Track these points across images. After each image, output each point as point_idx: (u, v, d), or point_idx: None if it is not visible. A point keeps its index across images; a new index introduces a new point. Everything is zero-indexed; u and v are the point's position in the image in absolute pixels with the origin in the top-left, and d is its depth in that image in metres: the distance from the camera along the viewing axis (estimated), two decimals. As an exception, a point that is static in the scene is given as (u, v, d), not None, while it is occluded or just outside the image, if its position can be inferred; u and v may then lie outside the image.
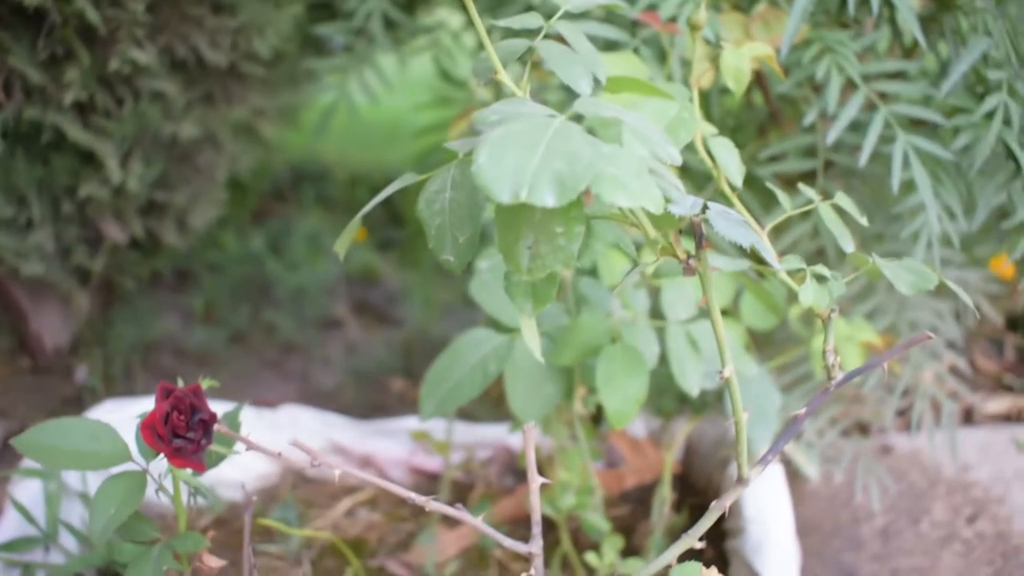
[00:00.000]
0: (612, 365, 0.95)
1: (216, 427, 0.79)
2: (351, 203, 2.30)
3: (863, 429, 1.67)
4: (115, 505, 0.83)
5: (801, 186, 0.87)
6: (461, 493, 1.41)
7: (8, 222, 1.71)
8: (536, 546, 0.80)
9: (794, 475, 1.58)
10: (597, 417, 1.30)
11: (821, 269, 0.78)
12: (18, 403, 1.87)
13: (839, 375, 0.79)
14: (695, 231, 0.70)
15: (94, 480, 1.35)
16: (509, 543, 0.80)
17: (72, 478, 1.33)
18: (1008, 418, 1.86)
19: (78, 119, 1.62)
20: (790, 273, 0.80)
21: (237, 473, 1.40)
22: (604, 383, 0.94)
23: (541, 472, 1.43)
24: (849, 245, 0.84)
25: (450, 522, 1.34)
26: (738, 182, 0.82)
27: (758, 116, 1.39)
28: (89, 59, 1.52)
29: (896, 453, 1.72)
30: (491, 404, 1.73)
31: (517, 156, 0.58)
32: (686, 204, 0.68)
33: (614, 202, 0.60)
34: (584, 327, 0.98)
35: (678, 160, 0.67)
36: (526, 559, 1.31)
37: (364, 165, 2.39)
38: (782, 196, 0.85)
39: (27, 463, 1.33)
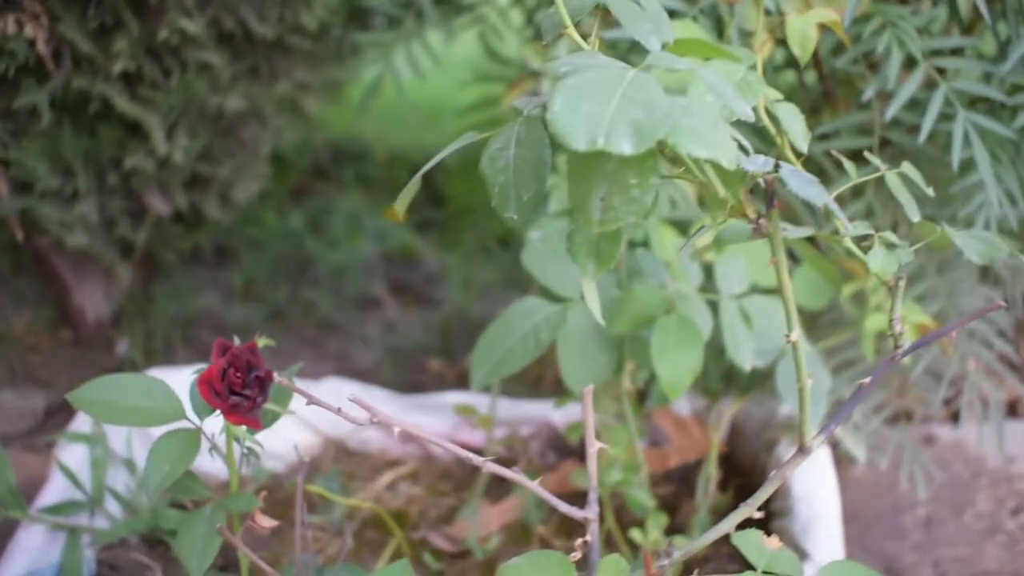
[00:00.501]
0: (667, 336, 0.94)
1: (276, 380, 0.79)
2: (390, 183, 2.29)
3: (908, 418, 1.65)
4: (169, 462, 0.83)
5: (867, 155, 0.85)
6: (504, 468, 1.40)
7: (54, 192, 1.71)
8: (592, 511, 0.79)
9: (837, 462, 1.56)
10: (643, 395, 1.29)
11: (890, 236, 0.77)
12: (60, 374, 1.88)
13: (905, 344, 0.77)
14: (766, 190, 0.69)
15: (139, 445, 1.35)
16: (565, 508, 0.79)
17: (117, 444, 1.33)
18: (1053, 411, 1.83)
19: (125, 90, 1.62)
20: (857, 241, 0.78)
21: (279, 444, 1.39)
22: (658, 354, 0.93)
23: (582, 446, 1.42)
24: (916, 214, 0.82)
25: (493, 497, 1.33)
26: (803, 147, 0.81)
27: (811, 95, 1.37)
28: (138, 29, 1.52)
29: (940, 443, 1.69)
30: (530, 384, 1.72)
31: (593, 104, 0.57)
32: (758, 162, 0.67)
33: (691, 152, 0.59)
34: (639, 297, 0.97)
35: (751, 116, 0.66)
36: (568, 536, 1.31)
37: (404, 145, 2.38)
38: (848, 164, 0.84)
39: (76, 426, 1.34)
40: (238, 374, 0.81)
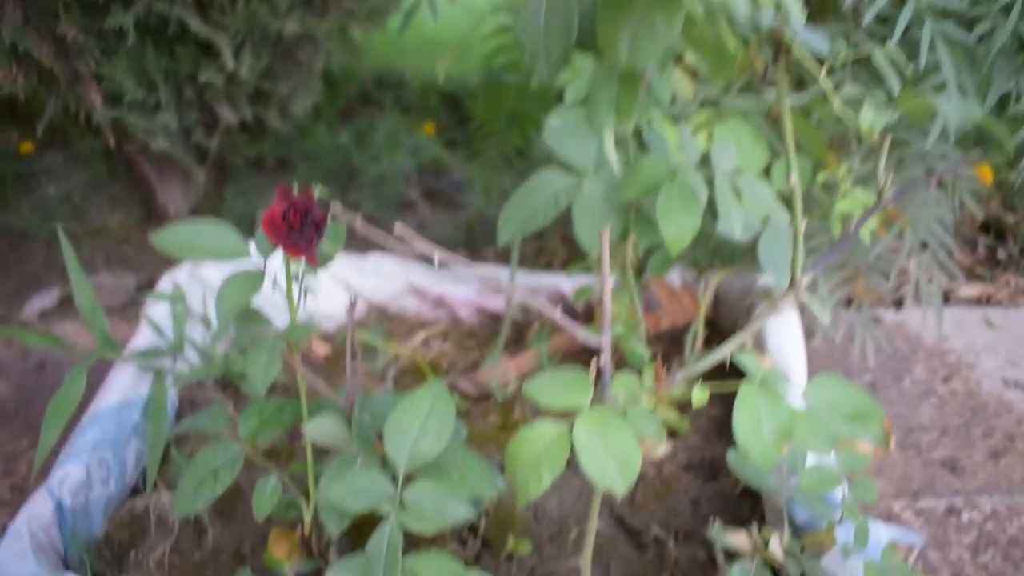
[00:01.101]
0: (671, 199, 0.88)
1: (336, 212, 0.73)
2: (424, 108, 2.22)
3: (860, 300, 1.60)
4: (237, 294, 0.78)
5: (849, 38, 0.78)
6: (521, 330, 1.35)
7: (139, 104, 1.65)
8: (607, 338, 0.74)
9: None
10: (641, 268, 1.23)
11: (878, 95, 0.70)
12: (147, 260, 1.84)
13: (889, 193, 0.71)
14: (775, 42, 0.62)
15: (214, 306, 1.30)
16: (583, 334, 0.74)
17: (195, 304, 1.29)
18: (980, 301, 1.78)
19: (198, 14, 1.54)
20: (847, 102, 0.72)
21: (330, 307, 1.35)
22: (663, 214, 0.87)
23: (591, 313, 1.37)
24: (896, 85, 0.75)
25: (511, 352, 1.28)
26: (800, 21, 0.74)
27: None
28: (210, -42, 1.44)
29: (885, 324, 1.65)
30: (542, 268, 1.67)
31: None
32: (768, 16, 0.60)
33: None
34: (646, 167, 0.90)
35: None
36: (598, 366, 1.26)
37: (435, 76, 2.30)
38: (838, 43, 0.77)
39: (160, 288, 1.29)
40: (296, 216, 0.76)
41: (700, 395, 0.65)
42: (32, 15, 1.47)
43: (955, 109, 0.70)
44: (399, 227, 0.71)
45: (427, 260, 1.54)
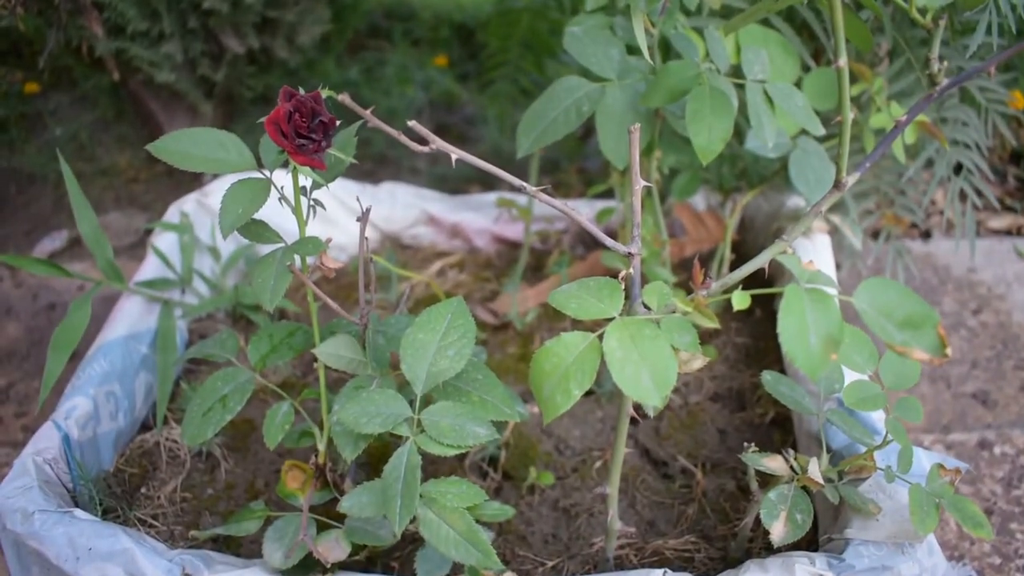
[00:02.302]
0: (701, 103, 0.81)
1: (345, 99, 0.67)
2: (435, 40, 2.13)
3: (891, 226, 1.53)
4: (242, 205, 0.72)
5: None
6: (539, 258, 1.29)
7: (143, 34, 1.58)
8: (636, 247, 0.68)
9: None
10: (664, 192, 1.17)
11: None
12: (157, 199, 1.78)
13: (944, 82, 0.64)
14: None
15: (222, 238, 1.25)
16: (611, 243, 0.68)
17: (203, 235, 1.23)
18: (1009, 232, 1.71)
19: (201, -64, 1.47)
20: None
21: (343, 238, 1.29)
22: (693, 119, 0.80)
23: (613, 236, 1.31)
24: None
25: (530, 280, 1.23)
26: None
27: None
28: None
29: (913, 255, 1.58)
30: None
31: None
32: None
33: None
34: (674, 71, 0.83)
35: None
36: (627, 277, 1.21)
37: (446, 7, 2.21)
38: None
39: (167, 218, 1.24)
40: (303, 119, 0.70)
41: (741, 299, 0.59)
42: (29, -58, 1.40)
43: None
44: (412, 123, 0.65)
45: (442, 189, 1.47)
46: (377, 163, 1.87)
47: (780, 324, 0.55)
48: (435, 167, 1.83)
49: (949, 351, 0.57)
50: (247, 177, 0.74)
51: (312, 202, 0.78)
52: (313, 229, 1.23)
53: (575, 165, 1.69)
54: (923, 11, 0.63)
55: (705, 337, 1.14)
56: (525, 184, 0.66)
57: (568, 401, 0.60)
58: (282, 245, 0.75)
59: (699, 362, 0.63)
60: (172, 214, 1.22)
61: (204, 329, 1.17)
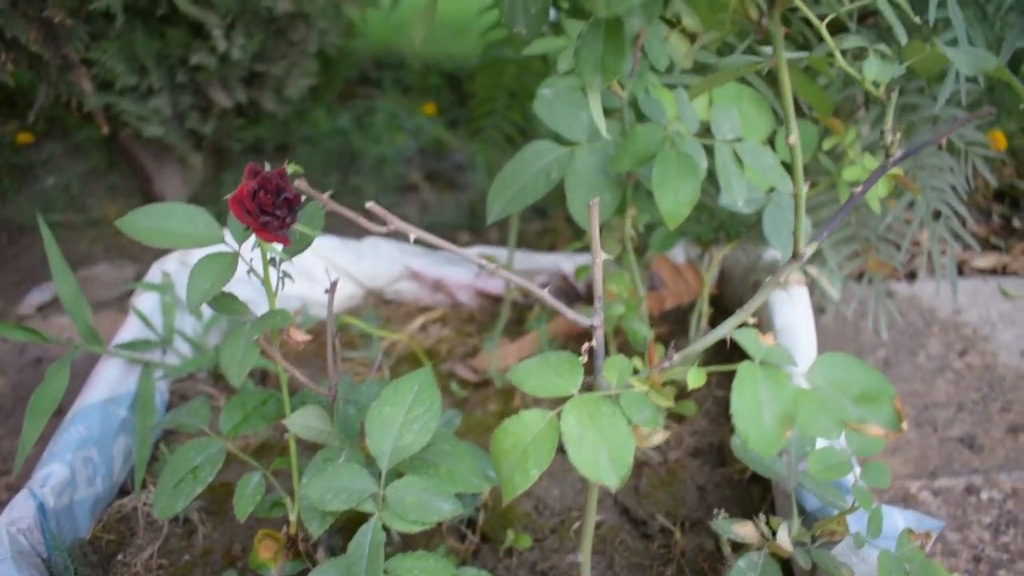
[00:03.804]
0: (667, 168, 0.82)
1: (302, 187, 0.67)
2: (425, 88, 2.16)
3: (872, 272, 1.53)
4: (210, 280, 0.72)
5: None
6: (521, 312, 1.29)
7: (131, 89, 1.60)
8: (598, 319, 0.68)
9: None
10: (642, 245, 1.17)
11: (883, 47, 0.64)
12: (146, 251, 1.79)
13: (897, 152, 0.65)
14: (769, -12, 0.56)
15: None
16: (572, 315, 0.68)
17: (185, 293, 1.24)
18: (995, 271, 1.71)
19: (187, -6, 1.49)
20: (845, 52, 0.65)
21: (324, 294, 1.29)
22: (659, 184, 0.81)
23: (592, 294, 1.31)
24: (903, 36, 0.69)
25: (511, 336, 1.23)
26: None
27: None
28: (195, -65, 1.38)
29: (898, 297, 1.59)
30: (546, 249, 1.61)
31: None
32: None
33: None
34: (641, 135, 0.84)
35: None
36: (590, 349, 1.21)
37: (435, 56, 2.23)
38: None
39: (149, 278, 1.24)
40: (268, 195, 0.70)
41: (696, 377, 0.59)
42: (19, -1, 1.42)
43: (966, 57, 0.63)
44: (370, 205, 0.66)
45: (424, 243, 1.49)
46: (367, 212, 1.89)
47: (733, 403, 0.55)
48: (425, 215, 1.84)
49: (905, 425, 0.57)
50: (215, 252, 0.74)
51: (281, 274, 0.78)
52: (295, 287, 1.24)
53: (563, 212, 1.70)
54: (876, 83, 0.64)
55: (685, 392, 1.14)
56: (484, 263, 0.67)
57: (527, 481, 0.60)
58: (250, 318, 0.76)
59: (660, 437, 0.63)
60: (154, 274, 1.23)
61: (185, 390, 1.17)
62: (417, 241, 0.65)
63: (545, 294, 0.67)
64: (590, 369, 0.69)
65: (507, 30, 1.71)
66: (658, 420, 0.61)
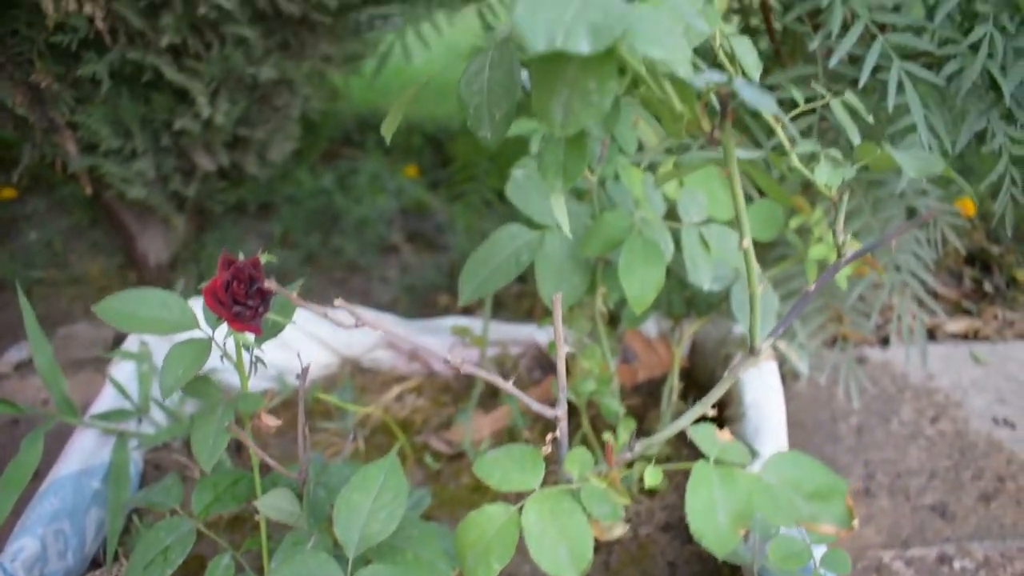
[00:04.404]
0: (633, 255, 0.84)
1: (272, 288, 0.69)
2: (407, 148, 2.19)
3: (844, 340, 1.56)
4: (183, 367, 0.74)
5: (813, 84, 0.75)
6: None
7: (116, 152, 1.63)
8: (561, 410, 0.70)
9: (782, 378, 1.48)
10: (614, 320, 1.20)
11: (834, 153, 0.67)
12: (126, 309, 1.80)
13: (848, 252, 0.67)
14: (720, 102, 0.59)
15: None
16: (537, 407, 0.70)
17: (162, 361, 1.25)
18: (966, 336, 1.75)
19: (173, 61, 1.52)
20: (803, 160, 0.68)
21: (303, 362, 1.31)
22: (626, 271, 0.83)
23: (566, 363, 1.33)
24: (856, 137, 0.72)
25: (486, 408, 1.24)
26: (755, 76, 0.71)
27: (762, 59, 1.26)
28: (181, 6, 1.41)
29: (870, 363, 1.61)
30: (523, 315, 1.63)
31: (552, 8, 0.48)
32: (713, 75, 0.57)
33: (646, 52, 0.49)
34: (608, 222, 0.87)
35: (707, 31, 0.56)
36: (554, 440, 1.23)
37: (418, 117, 2.27)
38: (796, 93, 0.73)
39: (127, 346, 1.25)
40: (241, 286, 0.72)
41: (653, 478, 0.61)
42: (5, 63, 1.45)
43: (914, 162, 0.66)
44: (339, 301, 0.68)
45: (400, 312, 1.50)
46: (349, 271, 1.91)
47: (688, 502, 0.57)
48: (404, 276, 1.86)
49: (856, 523, 0.59)
50: (189, 338, 0.76)
51: (254, 359, 0.80)
52: (273, 355, 1.25)
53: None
54: (828, 186, 0.67)
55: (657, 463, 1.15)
56: (448, 357, 0.69)
57: (489, 575, 0.61)
58: (222, 401, 0.77)
59: (619, 530, 0.65)
60: (131, 342, 1.24)
61: (160, 459, 1.18)
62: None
63: (506, 383, 0.69)
64: (555, 456, 0.71)
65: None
66: (618, 514, 0.63)
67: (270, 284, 0.68)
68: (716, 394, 0.68)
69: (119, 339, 1.74)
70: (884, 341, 1.69)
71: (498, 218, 1.92)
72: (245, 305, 0.72)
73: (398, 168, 2.12)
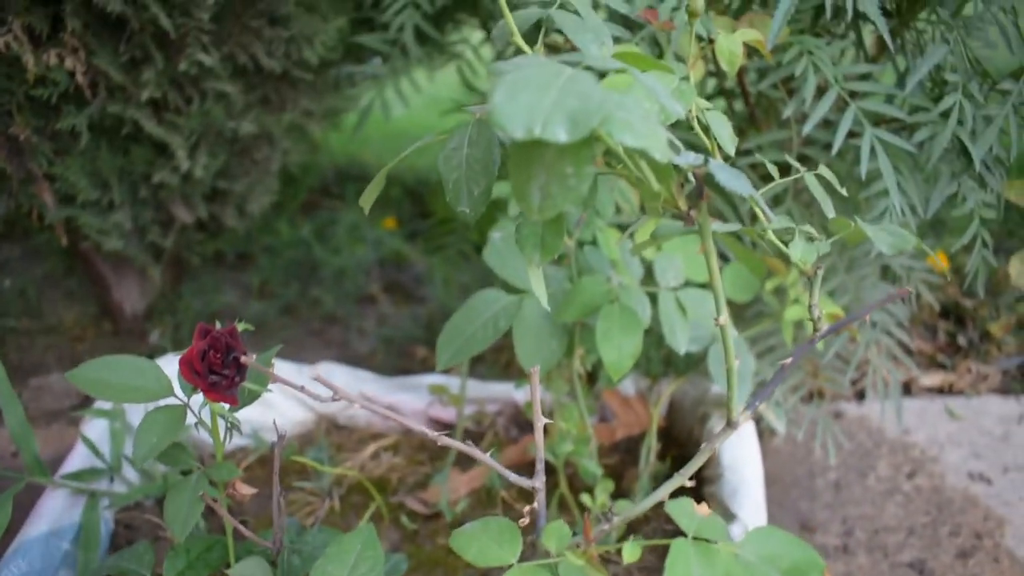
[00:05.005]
0: (610, 322, 0.85)
1: (248, 362, 0.69)
2: (386, 200, 2.20)
3: (820, 396, 1.57)
4: (157, 434, 0.74)
5: (787, 157, 0.76)
6: (473, 440, 1.30)
7: (93, 203, 1.62)
8: (539, 481, 0.70)
9: (759, 435, 1.48)
10: (592, 377, 1.20)
11: (809, 229, 0.68)
12: (100, 360, 1.79)
13: (823, 327, 0.68)
14: (696, 183, 0.60)
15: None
16: (514, 478, 0.70)
17: (135, 418, 1.24)
18: (941, 390, 1.76)
19: (153, 115, 1.53)
20: (779, 235, 0.69)
21: (278, 420, 1.30)
22: (603, 339, 0.84)
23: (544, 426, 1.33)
24: (831, 211, 0.73)
25: (462, 466, 1.24)
26: (731, 150, 0.72)
27: (737, 121, 1.29)
28: (162, 62, 1.42)
29: (847, 418, 1.62)
30: (500, 369, 1.64)
31: (531, 95, 0.48)
32: (688, 157, 0.58)
33: (623, 142, 0.50)
34: (585, 288, 0.88)
35: (682, 114, 0.57)
36: (529, 500, 1.22)
37: (398, 168, 2.29)
38: (771, 167, 0.75)
39: (99, 403, 1.24)
40: (217, 355, 0.72)
41: (631, 552, 0.61)
42: (-17, 116, 1.45)
43: (887, 237, 0.68)
44: (317, 376, 0.68)
45: (388, 349, 1.50)
46: (327, 322, 1.90)
47: (666, 581, 0.57)
48: (382, 327, 1.86)
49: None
50: (163, 405, 0.76)
51: (229, 424, 0.79)
52: (248, 411, 1.24)
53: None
54: (803, 260, 0.68)
55: (636, 525, 1.15)
56: (427, 431, 0.69)
57: (465, 653, 0.60)
58: (197, 471, 0.76)
59: (597, 606, 0.64)
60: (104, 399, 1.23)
61: (131, 519, 1.16)
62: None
63: (483, 455, 0.69)
64: (532, 526, 0.71)
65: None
66: (596, 589, 0.63)
67: (247, 358, 0.67)
68: (693, 467, 0.69)
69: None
70: (860, 395, 1.71)
71: (476, 270, 1.93)
72: (221, 375, 0.72)
73: (376, 220, 2.13)
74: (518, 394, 1.30)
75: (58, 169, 1.55)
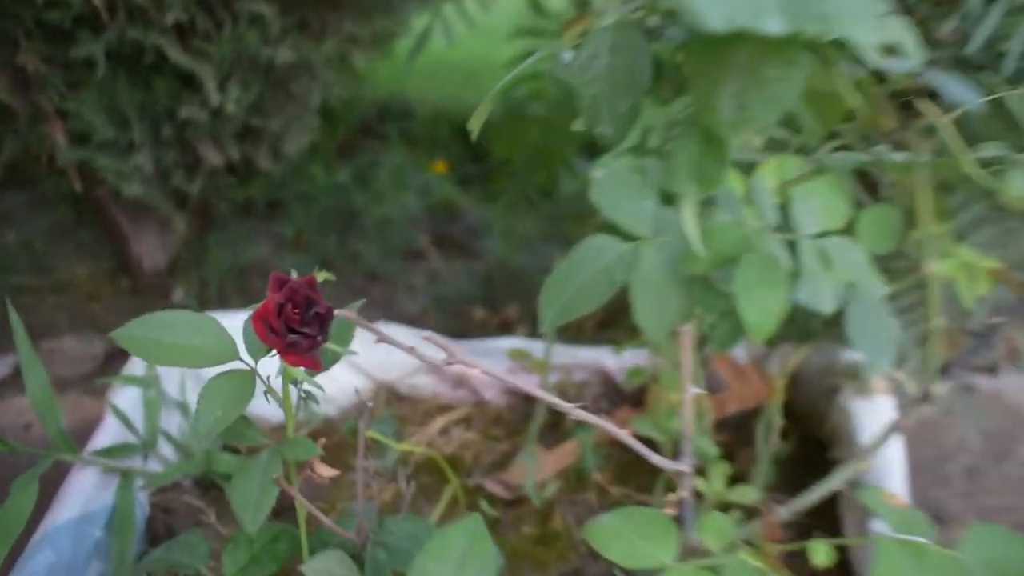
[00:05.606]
0: (751, 274, 0.78)
1: (341, 315, 0.63)
2: (433, 140, 2.13)
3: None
4: (222, 406, 0.68)
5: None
6: (557, 414, 1.24)
7: (110, 143, 1.57)
8: (687, 464, 0.64)
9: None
10: (700, 342, 1.13)
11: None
12: (119, 321, 1.74)
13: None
14: (905, 93, 0.52)
15: (193, 388, 1.21)
16: (657, 459, 0.64)
17: (171, 387, 1.19)
18: (1089, 359, 1.67)
19: (178, 41, 1.47)
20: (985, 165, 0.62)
21: (332, 389, 1.24)
22: (743, 293, 0.77)
23: (641, 396, 1.27)
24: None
25: (548, 443, 1.18)
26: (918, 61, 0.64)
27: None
28: (190, -21, 1.36)
29: (979, 393, 1.54)
30: (572, 331, 1.57)
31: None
32: (902, 62, 0.51)
33: (847, 34, 0.43)
34: (718, 233, 0.80)
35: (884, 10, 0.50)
36: (625, 483, 1.16)
37: (445, 104, 2.21)
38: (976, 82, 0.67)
39: (129, 369, 1.19)
40: (296, 310, 0.66)
41: (823, 555, 0.54)
42: (-13, 43, 1.40)
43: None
44: (427, 335, 0.61)
45: (442, 309, 1.44)
46: (369, 279, 1.85)
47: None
48: (433, 285, 1.80)
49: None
50: (228, 370, 0.70)
51: (303, 394, 0.74)
52: (298, 381, 1.19)
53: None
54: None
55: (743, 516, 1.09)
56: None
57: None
58: (267, 447, 0.71)
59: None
60: (135, 364, 1.18)
61: (169, 501, 1.12)
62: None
63: (626, 435, 0.63)
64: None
65: (534, 86, 1.69)
66: (769, 598, 0.57)
67: (348, 312, 0.61)
68: (850, 469, 0.62)
69: (111, 355, 1.68)
70: (991, 369, 1.63)
71: (541, 220, 1.86)
72: (302, 333, 0.66)
73: (424, 162, 2.06)
74: (609, 361, 1.23)
75: (71, 104, 1.50)
